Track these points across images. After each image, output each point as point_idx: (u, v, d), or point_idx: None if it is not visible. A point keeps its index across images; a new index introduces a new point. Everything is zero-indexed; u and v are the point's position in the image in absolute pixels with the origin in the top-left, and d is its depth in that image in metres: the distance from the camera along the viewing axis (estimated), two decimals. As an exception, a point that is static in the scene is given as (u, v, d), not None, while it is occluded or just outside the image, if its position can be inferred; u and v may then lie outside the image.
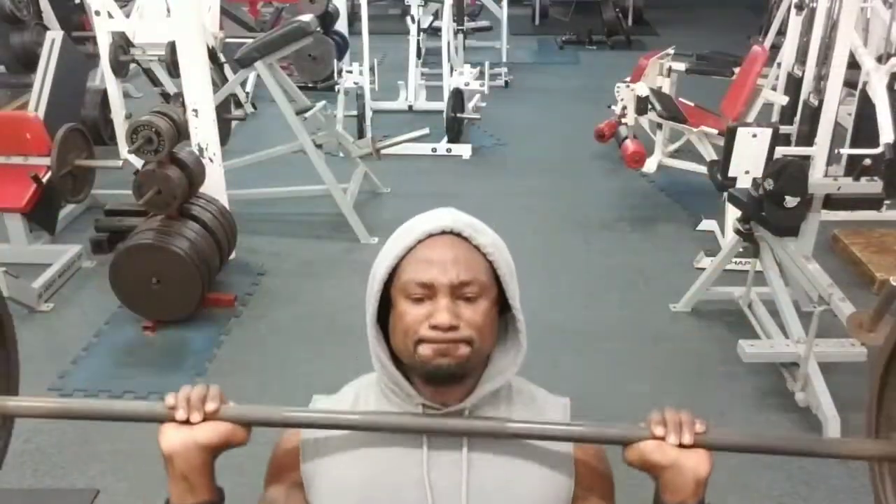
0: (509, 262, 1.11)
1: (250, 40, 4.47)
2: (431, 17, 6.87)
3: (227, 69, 5.01)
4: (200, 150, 3.62)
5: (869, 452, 1.10)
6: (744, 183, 3.40)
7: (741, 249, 3.32)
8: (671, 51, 5.35)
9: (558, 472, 1.11)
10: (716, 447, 1.04)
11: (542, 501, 1.10)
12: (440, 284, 1.04)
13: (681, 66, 5.23)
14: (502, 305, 1.11)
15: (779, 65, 4.76)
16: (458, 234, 1.08)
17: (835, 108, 3.89)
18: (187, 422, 1.04)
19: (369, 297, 1.10)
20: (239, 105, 4.93)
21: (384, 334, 1.11)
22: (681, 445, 1.02)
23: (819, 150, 3.96)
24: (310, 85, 6.38)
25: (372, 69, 5.48)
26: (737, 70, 4.97)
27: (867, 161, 3.46)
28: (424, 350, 1.04)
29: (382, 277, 1.08)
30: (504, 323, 1.13)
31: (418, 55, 6.11)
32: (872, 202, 3.27)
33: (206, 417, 1.05)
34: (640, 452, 1.03)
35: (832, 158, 4.11)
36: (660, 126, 4.76)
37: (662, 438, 1.02)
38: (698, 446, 1.02)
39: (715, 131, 4.47)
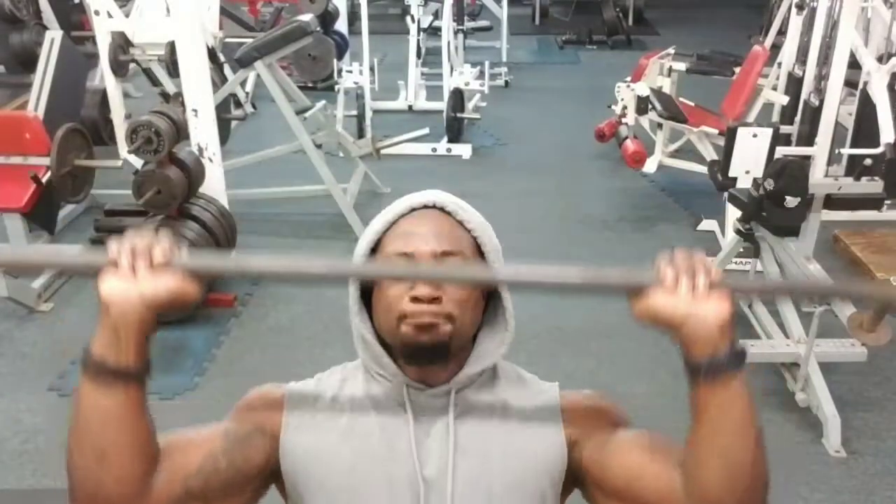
0: (495, 242, 1.10)
1: (250, 40, 4.47)
2: (431, 17, 6.87)
3: (227, 69, 5.01)
4: (200, 150, 3.62)
5: None
6: (744, 183, 3.39)
7: (741, 249, 3.32)
8: (672, 50, 5.35)
9: (548, 424, 1.08)
10: (736, 293, 0.91)
11: (533, 468, 1.06)
12: (422, 254, 1.03)
13: (681, 65, 5.23)
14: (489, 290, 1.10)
15: (779, 64, 4.75)
16: (442, 209, 1.07)
17: (835, 108, 3.88)
18: (133, 274, 0.92)
19: (349, 260, 1.08)
20: (239, 105, 4.92)
21: (369, 315, 1.10)
22: (694, 291, 0.90)
23: (819, 150, 3.94)
24: (310, 85, 6.37)
25: (372, 69, 5.48)
26: (737, 70, 4.97)
27: (868, 161, 3.46)
28: (406, 328, 1.02)
29: (365, 252, 1.07)
30: (491, 307, 1.12)
31: (418, 55, 6.11)
32: (873, 202, 3.27)
33: (154, 268, 0.92)
34: (649, 307, 0.92)
35: (833, 158, 4.09)
36: (660, 126, 4.76)
37: (672, 286, 0.91)
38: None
39: (715, 131, 4.48)
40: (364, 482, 1.04)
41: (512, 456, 1.06)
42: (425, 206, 1.08)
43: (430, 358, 1.04)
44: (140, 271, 0.92)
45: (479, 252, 1.08)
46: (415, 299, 1.01)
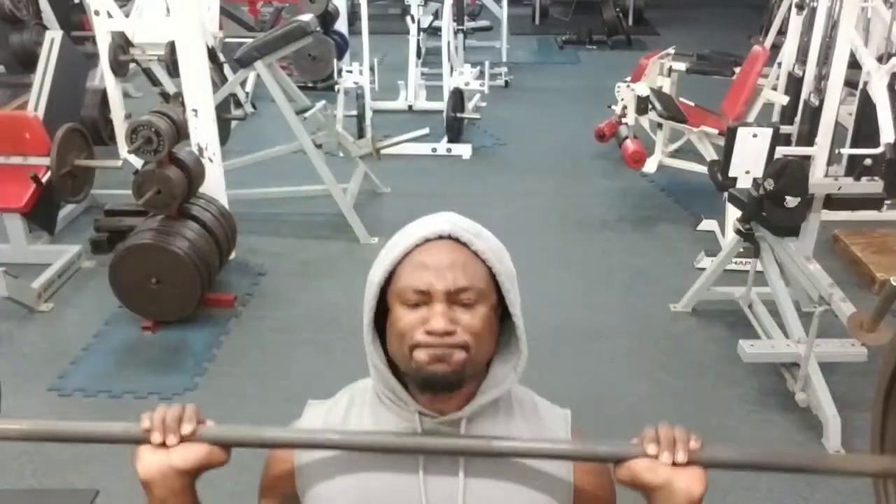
0: (510, 268, 1.08)
1: (250, 40, 4.47)
2: (431, 17, 6.87)
3: (227, 69, 5.01)
4: (200, 149, 3.62)
5: (871, 468, 1.07)
6: (744, 183, 3.39)
7: (741, 249, 3.32)
8: (672, 50, 5.35)
9: (555, 499, 1.09)
10: (712, 465, 1.00)
11: None
12: (436, 291, 1.02)
13: (681, 65, 5.23)
14: (503, 313, 1.08)
15: (779, 64, 4.76)
16: (457, 240, 1.05)
17: (835, 108, 3.89)
18: (164, 444, 1.02)
19: (366, 302, 1.07)
20: (239, 105, 4.93)
21: (381, 340, 1.09)
22: (674, 463, 0.99)
23: (820, 150, 3.96)
24: (310, 85, 6.38)
25: (372, 69, 5.48)
26: (737, 70, 4.97)
27: (868, 161, 3.46)
28: (420, 355, 1.01)
29: (379, 282, 1.06)
30: (506, 331, 1.11)
31: (418, 55, 6.11)
32: (873, 202, 3.26)
33: (183, 439, 1.02)
34: (631, 472, 1.00)
35: (833, 158, 4.11)
36: (660, 126, 4.76)
37: (655, 456, 0.99)
38: (693, 464, 0.99)
39: (715, 131, 4.47)
40: None
41: (522, 496, 1.07)
42: (440, 237, 1.06)
43: (443, 386, 1.04)
44: (171, 443, 1.02)
45: (494, 280, 1.07)
46: (429, 333, 1.01)
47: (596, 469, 1.12)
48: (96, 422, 1.08)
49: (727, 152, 3.55)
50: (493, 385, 1.08)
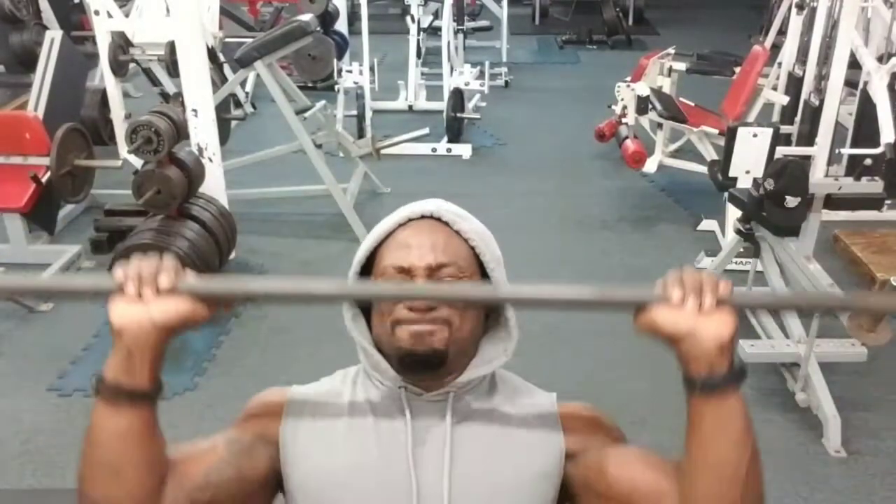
0: (495, 251, 1.09)
1: (250, 40, 4.47)
2: (431, 17, 6.87)
3: (227, 69, 5.01)
4: (200, 149, 3.62)
5: None
6: (744, 183, 3.39)
7: (741, 249, 3.31)
8: (672, 50, 5.35)
9: (547, 432, 1.07)
10: (742, 307, 0.90)
11: (530, 475, 1.06)
12: (416, 268, 1.03)
13: (681, 65, 5.23)
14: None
15: (779, 64, 4.76)
16: (439, 219, 1.07)
17: (835, 108, 3.89)
18: (140, 297, 0.93)
19: (349, 280, 1.09)
20: (238, 105, 4.93)
21: (368, 323, 1.11)
22: (700, 310, 0.89)
23: (820, 150, 3.95)
24: (309, 85, 6.37)
25: (372, 69, 5.48)
26: (737, 70, 4.97)
27: (868, 161, 3.46)
28: (402, 333, 1.01)
29: (360, 260, 1.08)
30: (496, 315, 1.11)
31: (418, 55, 6.11)
32: (873, 202, 3.26)
33: (161, 293, 0.93)
34: (651, 321, 0.92)
35: (833, 158, 4.10)
36: (660, 126, 4.76)
37: (680, 302, 0.90)
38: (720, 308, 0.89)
39: (715, 131, 4.48)
40: (359, 489, 1.04)
41: (509, 463, 1.06)
42: (423, 217, 1.07)
43: (425, 367, 1.03)
44: (147, 296, 0.93)
45: (479, 262, 1.07)
46: (410, 308, 1.01)
47: (581, 410, 1.12)
48: (67, 276, 1.03)
49: (727, 152, 3.55)
50: (483, 363, 1.08)
